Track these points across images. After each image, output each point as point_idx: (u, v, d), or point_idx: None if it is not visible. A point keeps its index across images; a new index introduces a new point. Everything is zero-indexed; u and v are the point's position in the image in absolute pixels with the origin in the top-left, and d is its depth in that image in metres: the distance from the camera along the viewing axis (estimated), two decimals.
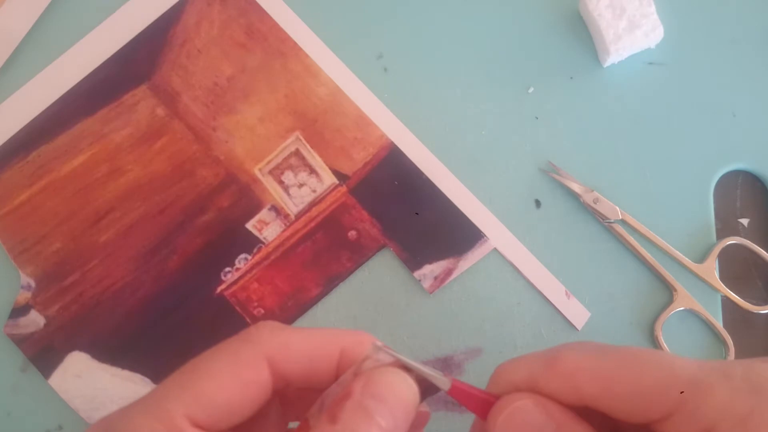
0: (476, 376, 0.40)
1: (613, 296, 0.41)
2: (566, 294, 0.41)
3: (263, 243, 0.42)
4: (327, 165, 0.43)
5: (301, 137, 0.43)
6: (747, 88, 0.44)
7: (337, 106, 0.43)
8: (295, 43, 0.44)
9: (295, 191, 0.42)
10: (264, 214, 0.42)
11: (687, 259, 0.41)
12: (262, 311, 0.41)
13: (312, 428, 0.21)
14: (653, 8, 0.42)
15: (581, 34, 0.44)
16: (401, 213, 0.42)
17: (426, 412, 0.24)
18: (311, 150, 0.43)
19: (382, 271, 0.42)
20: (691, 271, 0.41)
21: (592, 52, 0.44)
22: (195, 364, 0.22)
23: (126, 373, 0.41)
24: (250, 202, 0.42)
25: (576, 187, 0.42)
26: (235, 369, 0.21)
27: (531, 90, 0.44)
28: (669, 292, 0.41)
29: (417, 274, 0.41)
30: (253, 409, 0.22)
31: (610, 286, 0.41)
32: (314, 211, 0.42)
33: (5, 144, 0.43)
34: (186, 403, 0.20)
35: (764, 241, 0.42)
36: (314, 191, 0.42)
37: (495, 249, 0.41)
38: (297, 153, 0.43)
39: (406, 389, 0.22)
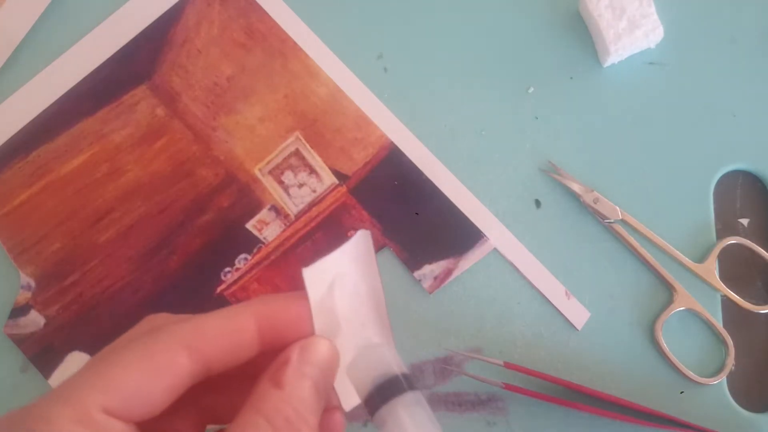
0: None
1: (613, 296, 0.41)
2: (566, 294, 0.41)
3: (263, 243, 0.42)
4: (327, 165, 0.43)
5: (301, 137, 0.43)
6: (747, 88, 0.44)
7: (337, 106, 0.43)
8: (295, 43, 0.44)
9: (295, 191, 0.42)
10: (264, 214, 0.42)
11: (687, 259, 0.41)
12: None
13: (258, 392, 0.23)
14: (653, 8, 0.42)
15: (581, 34, 0.44)
16: (401, 213, 0.42)
17: (340, 425, 0.26)
18: (311, 150, 0.43)
19: (382, 271, 0.41)
20: (691, 271, 0.41)
21: (592, 52, 0.44)
22: (108, 353, 0.22)
23: None
24: (250, 202, 0.42)
25: (576, 187, 0.42)
26: (149, 356, 0.22)
27: (531, 90, 0.44)
28: (669, 292, 0.41)
29: (417, 274, 0.41)
30: (171, 397, 0.22)
31: (610, 286, 0.41)
32: (314, 211, 0.42)
33: (5, 144, 0.43)
34: (98, 390, 0.21)
35: (764, 241, 0.42)
36: (314, 191, 0.42)
37: (495, 249, 0.41)
38: (297, 153, 0.43)
39: (332, 354, 0.24)
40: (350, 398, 0.25)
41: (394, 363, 0.25)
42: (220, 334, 0.23)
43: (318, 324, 0.25)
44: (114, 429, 0.21)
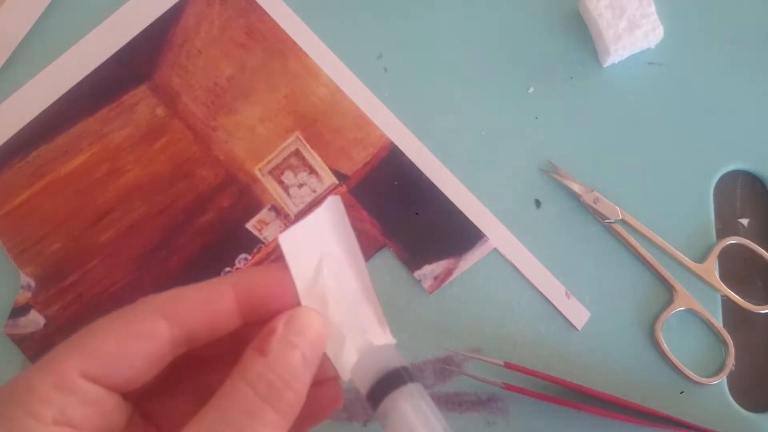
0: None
1: (613, 296, 0.41)
2: (566, 294, 0.41)
3: (263, 243, 0.42)
4: (327, 165, 0.43)
5: (301, 137, 0.43)
6: (747, 88, 0.44)
7: (337, 106, 0.43)
8: (295, 43, 0.44)
9: (295, 191, 0.42)
10: (264, 214, 0.42)
11: (687, 259, 0.41)
12: None
13: (243, 360, 0.23)
14: (653, 8, 0.42)
15: (581, 34, 0.44)
16: (401, 213, 0.42)
17: (338, 395, 0.26)
18: (311, 150, 0.43)
19: (382, 271, 0.42)
20: (691, 271, 0.41)
21: (592, 52, 0.44)
22: (88, 326, 0.23)
23: None
24: (250, 202, 0.42)
25: (576, 187, 0.42)
26: (127, 323, 0.23)
27: (531, 90, 0.44)
28: (669, 292, 0.41)
29: (417, 274, 0.41)
30: (153, 365, 0.23)
31: (610, 286, 0.41)
32: None
33: (5, 144, 0.43)
34: (77, 357, 0.21)
35: (764, 241, 0.42)
36: (314, 191, 0.42)
37: (495, 249, 0.41)
38: (297, 153, 0.43)
39: (320, 325, 0.24)
40: (348, 369, 0.26)
41: (394, 358, 0.25)
42: (197, 301, 0.24)
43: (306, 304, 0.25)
44: (94, 393, 0.21)
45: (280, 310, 0.24)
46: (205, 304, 0.24)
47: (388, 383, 0.24)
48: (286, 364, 0.23)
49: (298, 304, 0.25)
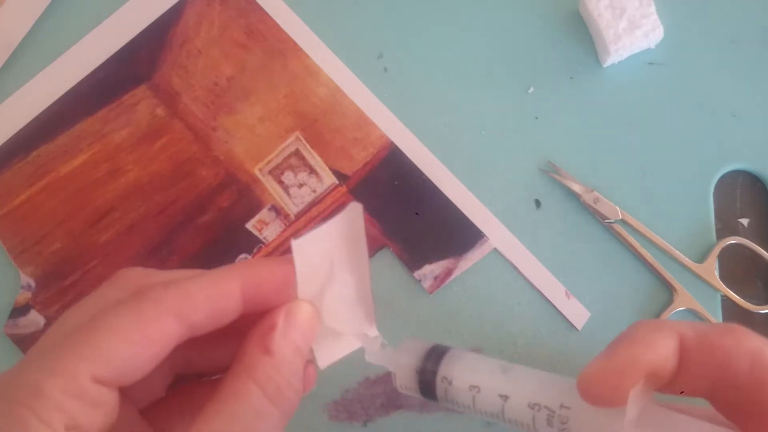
0: None
1: (613, 296, 0.41)
2: (566, 294, 0.41)
3: (263, 243, 0.42)
4: (327, 165, 0.43)
5: (301, 137, 0.43)
6: (747, 88, 0.44)
7: (337, 106, 0.43)
8: (295, 43, 0.44)
9: (295, 191, 0.42)
10: (264, 214, 0.42)
11: (687, 259, 0.41)
12: None
13: (248, 358, 0.24)
14: (653, 8, 0.42)
15: (581, 34, 0.44)
16: (401, 213, 0.42)
17: (311, 378, 0.27)
18: (311, 150, 0.43)
19: (382, 271, 0.42)
20: (691, 271, 0.41)
21: (592, 52, 0.44)
22: (95, 321, 0.22)
23: None
24: (250, 202, 0.42)
25: (576, 187, 0.42)
26: (139, 325, 0.22)
27: (531, 90, 0.44)
28: (669, 292, 0.41)
29: (417, 274, 0.41)
30: (157, 362, 0.23)
31: (610, 286, 0.41)
32: (314, 211, 0.42)
33: (5, 144, 0.43)
34: (88, 360, 0.21)
35: (764, 241, 0.42)
36: (314, 191, 0.42)
37: (495, 249, 0.41)
38: (297, 153, 0.43)
39: (315, 318, 0.25)
40: (325, 358, 0.26)
41: (423, 342, 0.28)
42: (208, 300, 0.23)
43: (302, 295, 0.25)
44: (102, 396, 0.21)
45: (280, 303, 0.25)
46: (214, 302, 0.24)
47: (435, 357, 0.27)
48: (291, 364, 0.24)
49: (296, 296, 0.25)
